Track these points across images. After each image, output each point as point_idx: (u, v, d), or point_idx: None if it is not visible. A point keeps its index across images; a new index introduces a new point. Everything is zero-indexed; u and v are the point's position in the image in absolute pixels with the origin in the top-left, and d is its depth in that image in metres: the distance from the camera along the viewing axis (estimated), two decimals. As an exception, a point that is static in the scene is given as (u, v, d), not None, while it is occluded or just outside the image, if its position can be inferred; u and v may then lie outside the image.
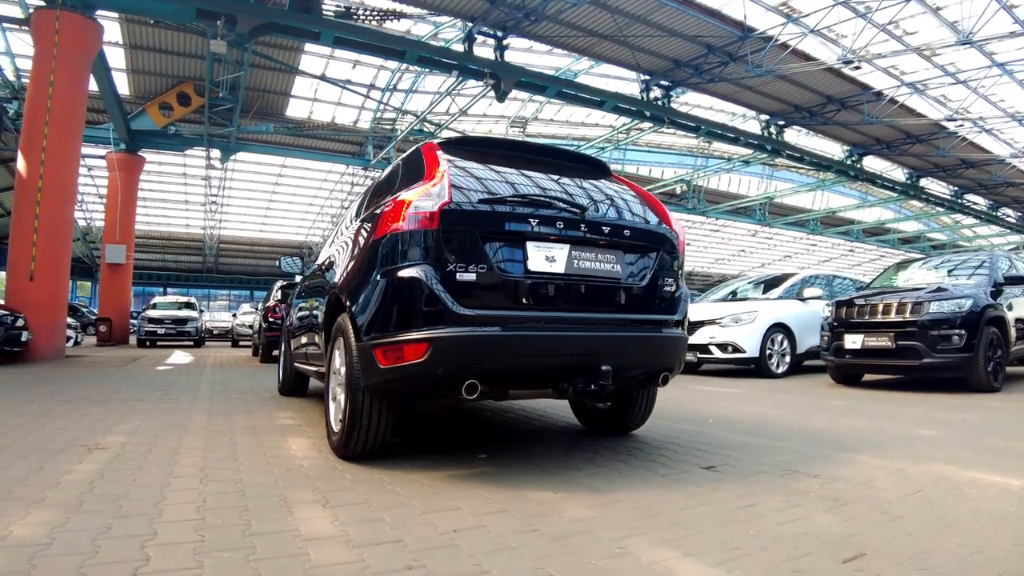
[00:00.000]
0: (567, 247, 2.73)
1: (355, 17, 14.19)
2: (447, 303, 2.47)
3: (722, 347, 8.57)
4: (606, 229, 2.84)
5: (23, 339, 9.07)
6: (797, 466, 2.91)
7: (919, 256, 9.39)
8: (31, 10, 10.55)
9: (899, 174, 25.05)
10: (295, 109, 21.04)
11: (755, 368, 8.45)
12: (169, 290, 40.10)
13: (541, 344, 2.57)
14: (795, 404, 5.50)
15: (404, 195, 2.69)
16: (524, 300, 2.62)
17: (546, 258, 2.67)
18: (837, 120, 18.33)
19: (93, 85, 14.51)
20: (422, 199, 2.60)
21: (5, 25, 13.66)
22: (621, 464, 2.94)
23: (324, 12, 13.56)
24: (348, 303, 2.90)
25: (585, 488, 2.48)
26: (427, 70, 17.59)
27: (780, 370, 8.48)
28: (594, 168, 3.41)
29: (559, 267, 2.69)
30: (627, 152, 27.17)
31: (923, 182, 25.27)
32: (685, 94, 18.86)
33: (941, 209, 29.03)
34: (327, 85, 18.91)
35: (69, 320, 12.76)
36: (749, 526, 2.02)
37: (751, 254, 44.97)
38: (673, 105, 18.65)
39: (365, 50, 14.69)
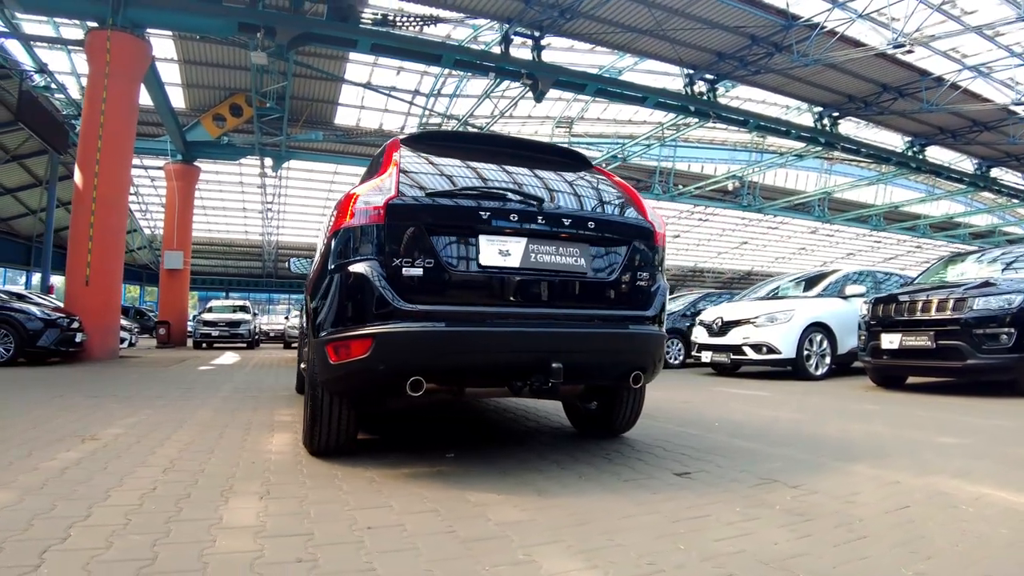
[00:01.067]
0: (524, 240, 2.63)
1: (392, 24, 14.41)
2: (390, 299, 2.42)
3: (756, 348, 8.22)
4: (567, 221, 2.73)
5: (78, 340, 9.62)
6: (780, 475, 2.70)
7: (973, 249, 8.72)
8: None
9: (967, 164, 23.45)
10: (343, 117, 21.54)
11: (792, 370, 8.06)
12: (231, 294, 41.85)
13: (485, 340, 2.48)
14: (818, 408, 5.18)
15: (355, 190, 2.66)
16: (473, 295, 2.55)
17: (500, 252, 2.58)
18: (894, 109, 17.31)
19: (149, 100, 15.39)
20: (370, 194, 2.57)
21: (71, 47, 14.58)
22: (590, 468, 2.81)
23: (362, 21, 13.84)
24: (310, 299, 2.90)
25: (533, 491, 2.38)
26: (469, 74, 17.67)
27: (819, 372, 8.05)
28: (569, 159, 3.30)
29: (514, 261, 2.60)
30: (677, 148, 26.62)
31: (994, 172, 23.57)
32: (736, 88, 18.31)
33: (1016, 200, 27.02)
34: (373, 92, 19.29)
35: (124, 322, 13.48)
36: (683, 540, 1.86)
37: (812, 252, 43.16)
38: (724, 99, 18.12)
39: (402, 56, 14.91)
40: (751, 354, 8.26)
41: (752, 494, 2.39)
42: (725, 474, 2.71)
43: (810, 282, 9.35)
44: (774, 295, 9.67)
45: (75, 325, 9.59)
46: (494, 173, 2.87)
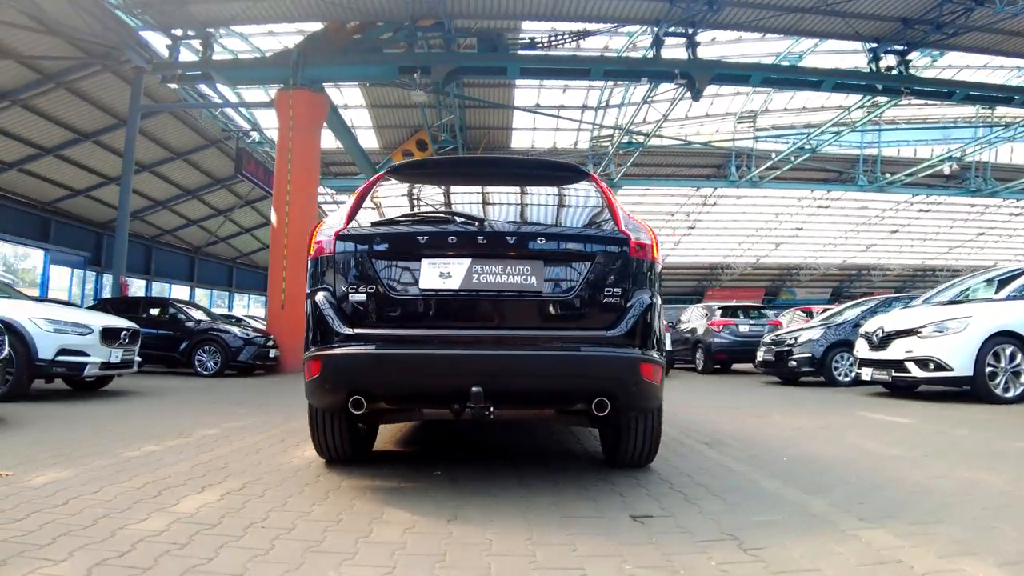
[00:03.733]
0: (467, 261, 2.65)
1: (546, 45, 14.74)
2: (333, 323, 2.64)
3: (922, 364, 6.84)
4: (511, 239, 2.69)
5: (271, 356, 11.39)
6: (750, 532, 2.21)
7: None
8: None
9: None
10: (518, 140, 22.52)
11: (971, 391, 6.61)
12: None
13: (410, 362, 2.56)
14: (948, 445, 4.17)
15: (323, 220, 2.93)
16: (411, 318, 2.65)
17: (440, 274, 2.65)
18: None
19: (336, 143, 17.70)
20: (327, 226, 2.83)
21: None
22: (552, 499, 2.64)
23: (513, 47, 14.44)
24: (305, 322, 3.23)
25: (448, 515, 2.37)
26: (635, 82, 17.38)
27: (1010, 393, 6.47)
28: (559, 172, 3.23)
29: (454, 283, 2.64)
30: (882, 132, 23.42)
31: None
32: (945, 55, 15.64)
33: None
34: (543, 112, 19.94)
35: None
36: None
37: (1075, 242, 34.72)
38: (932, 71, 15.57)
39: (551, 75, 15.31)
40: (916, 371, 6.91)
41: (678, 552, 2.01)
42: (690, 523, 2.33)
43: (1004, 281, 7.60)
44: (962, 298, 8.02)
45: (269, 343, 11.39)
46: (459, 196, 2.95)
